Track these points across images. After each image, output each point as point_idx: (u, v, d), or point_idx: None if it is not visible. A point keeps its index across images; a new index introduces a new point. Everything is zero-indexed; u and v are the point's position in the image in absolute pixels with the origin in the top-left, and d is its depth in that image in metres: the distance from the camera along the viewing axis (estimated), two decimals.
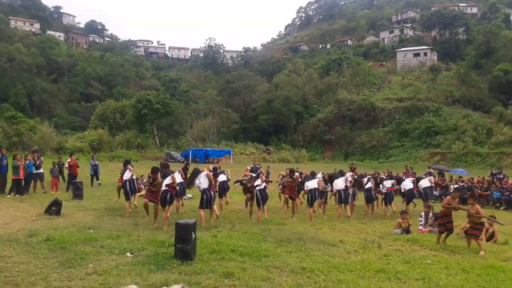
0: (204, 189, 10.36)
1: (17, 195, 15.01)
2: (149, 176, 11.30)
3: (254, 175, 12.14)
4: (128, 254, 7.32)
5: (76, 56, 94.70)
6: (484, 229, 9.29)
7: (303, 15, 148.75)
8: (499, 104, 53.33)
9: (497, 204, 17.46)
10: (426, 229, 10.83)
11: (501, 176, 20.35)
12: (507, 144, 45.47)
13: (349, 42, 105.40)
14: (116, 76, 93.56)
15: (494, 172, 21.55)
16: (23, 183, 15.69)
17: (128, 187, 11.81)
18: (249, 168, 14.37)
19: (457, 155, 47.14)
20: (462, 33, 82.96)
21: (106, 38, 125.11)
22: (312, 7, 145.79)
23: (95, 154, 26.00)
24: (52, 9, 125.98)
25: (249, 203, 11.98)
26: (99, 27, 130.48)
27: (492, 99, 58.46)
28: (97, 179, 19.86)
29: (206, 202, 10.42)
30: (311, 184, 12.08)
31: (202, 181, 10.44)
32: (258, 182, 11.16)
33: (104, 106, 59.09)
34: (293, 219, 12.04)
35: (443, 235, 9.21)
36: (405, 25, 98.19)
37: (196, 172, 10.78)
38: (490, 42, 66.14)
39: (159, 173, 10.99)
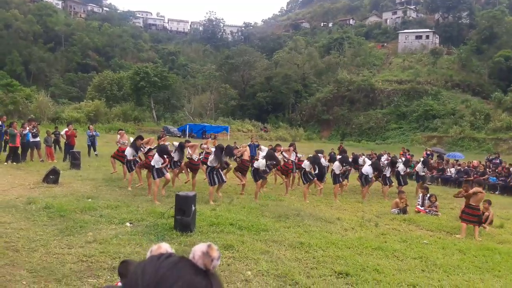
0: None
1: (14, 163, 14.95)
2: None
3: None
4: (128, 224, 7.35)
5: (74, 25, 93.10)
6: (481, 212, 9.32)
7: None
8: (498, 90, 53.05)
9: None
10: (423, 208, 10.94)
11: (497, 161, 20.49)
12: (504, 130, 45.50)
13: (351, 21, 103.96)
14: (114, 47, 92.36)
15: (490, 157, 21.70)
16: (19, 151, 15.62)
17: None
18: (244, 145, 14.35)
19: (453, 139, 47.25)
20: (466, 17, 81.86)
21: (105, 8, 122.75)
22: None
23: (91, 125, 25.82)
24: None
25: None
26: None
27: (492, 85, 58.15)
28: (94, 150, 19.77)
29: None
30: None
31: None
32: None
33: (101, 77, 58.37)
34: (285, 195, 12.05)
35: (476, 227, 8.64)
36: (408, 6, 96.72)
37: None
38: (493, 28, 65.34)
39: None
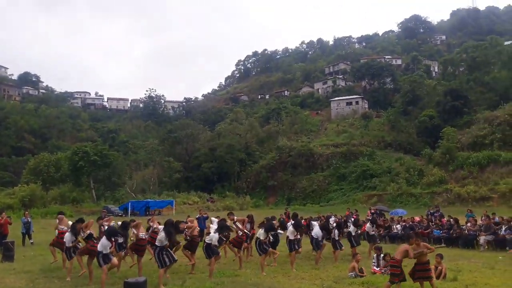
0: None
1: None
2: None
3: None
4: None
5: (8, 109, 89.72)
6: (433, 266, 9.49)
7: (242, 68, 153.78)
8: (427, 147, 56.72)
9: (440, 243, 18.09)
10: (378, 269, 10.96)
11: (438, 214, 21.41)
12: (437, 184, 48.17)
13: (286, 92, 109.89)
14: (51, 129, 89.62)
15: (431, 211, 22.65)
16: None
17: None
18: (192, 218, 14.16)
19: (392, 196, 49.15)
20: (390, 82, 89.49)
21: (42, 90, 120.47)
22: (250, 61, 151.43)
23: (27, 211, 24.07)
24: None
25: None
26: (34, 79, 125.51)
27: (421, 142, 62.21)
28: (30, 238, 18.33)
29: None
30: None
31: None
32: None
33: (37, 159, 55.80)
34: (241, 270, 11.57)
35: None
36: (337, 76, 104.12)
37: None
38: (415, 91, 71.46)
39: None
